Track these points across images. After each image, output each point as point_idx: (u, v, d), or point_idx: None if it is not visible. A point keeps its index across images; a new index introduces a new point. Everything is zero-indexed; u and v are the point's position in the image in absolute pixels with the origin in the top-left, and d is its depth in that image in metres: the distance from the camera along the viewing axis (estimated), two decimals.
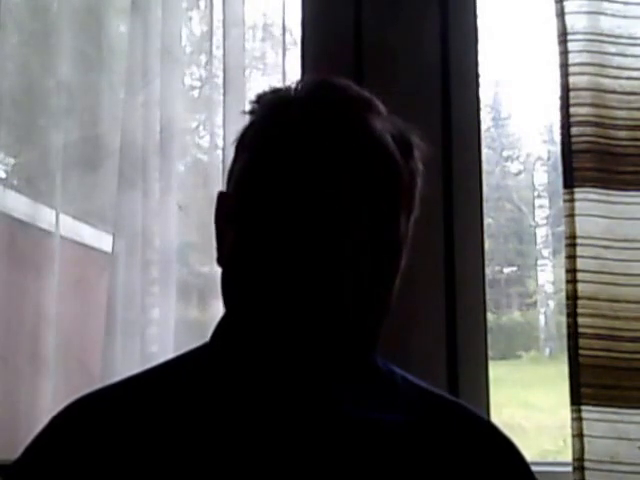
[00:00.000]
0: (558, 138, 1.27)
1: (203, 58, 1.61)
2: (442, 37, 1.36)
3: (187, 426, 0.75)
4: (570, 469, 1.17)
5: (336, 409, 0.76)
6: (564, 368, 1.19)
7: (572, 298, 1.20)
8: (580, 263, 1.20)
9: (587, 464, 1.16)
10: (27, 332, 1.48)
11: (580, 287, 1.19)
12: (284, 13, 1.46)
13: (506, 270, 1.83)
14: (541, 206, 1.79)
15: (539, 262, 1.78)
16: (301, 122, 0.78)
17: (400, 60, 1.35)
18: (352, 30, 1.36)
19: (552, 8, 1.27)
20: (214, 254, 0.83)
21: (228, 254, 0.80)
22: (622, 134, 1.23)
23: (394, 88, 1.34)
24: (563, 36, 1.24)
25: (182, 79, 1.49)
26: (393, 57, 1.35)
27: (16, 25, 1.60)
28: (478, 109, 1.36)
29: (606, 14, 1.25)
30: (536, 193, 1.80)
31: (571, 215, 1.21)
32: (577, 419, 1.17)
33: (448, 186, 1.33)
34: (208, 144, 1.47)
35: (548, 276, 1.76)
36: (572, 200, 1.21)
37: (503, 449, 0.84)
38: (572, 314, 1.19)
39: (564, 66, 1.24)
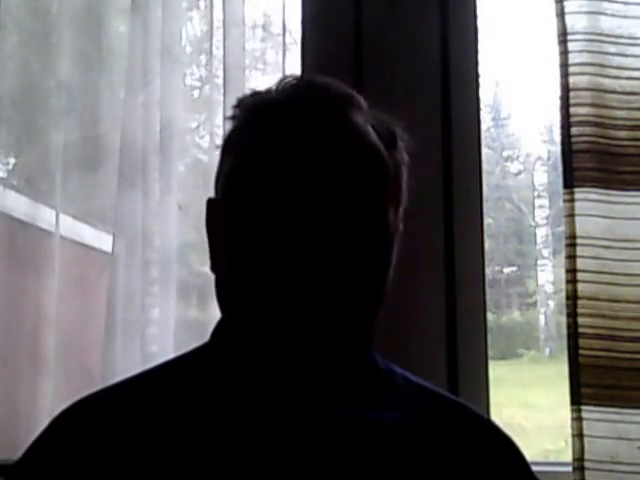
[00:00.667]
0: (558, 138, 1.27)
1: (203, 58, 1.61)
2: (442, 37, 1.36)
3: (187, 426, 0.75)
4: (570, 469, 1.17)
5: (336, 409, 0.76)
6: (564, 368, 1.19)
7: (572, 298, 1.20)
8: (580, 263, 1.20)
9: (587, 464, 1.16)
10: (27, 332, 1.48)
11: (580, 287, 1.19)
12: (284, 13, 1.46)
13: (506, 270, 1.83)
14: (541, 206, 1.79)
15: (539, 262, 1.78)
16: (283, 123, 0.78)
17: (400, 60, 1.35)
18: (352, 30, 1.36)
19: (552, 8, 1.27)
20: None
21: (223, 261, 0.80)
22: (622, 134, 1.23)
23: (394, 88, 1.34)
24: (563, 36, 1.24)
25: (182, 79, 1.49)
26: (393, 57, 1.35)
27: (16, 25, 1.60)
28: (478, 109, 1.36)
29: (606, 14, 1.25)
30: (536, 193, 1.80)
31: (571, 215, 1.21)
32: (577, 419, 1.17)
33: (448, 186, 1.33)
34: (208, 144, 1.48)
35: (548, 276, 1.76)
36: (572, 200, 1.21)
37: (504, 448, 0.84)
38: (572, 314, 1.19)
39: (564, 66, 1.24)
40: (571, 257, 1.20)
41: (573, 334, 1.19)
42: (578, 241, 1.20)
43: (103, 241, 1.56)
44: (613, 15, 1.25)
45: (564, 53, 1.24)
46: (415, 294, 1.30)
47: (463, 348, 1.30)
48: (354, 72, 1.34)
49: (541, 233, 1.79)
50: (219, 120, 1.41)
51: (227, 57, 1.41)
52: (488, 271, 1.40)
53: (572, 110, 1.23)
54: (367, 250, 0.76)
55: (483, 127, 1.39)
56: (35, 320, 1.46)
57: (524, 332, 1.84)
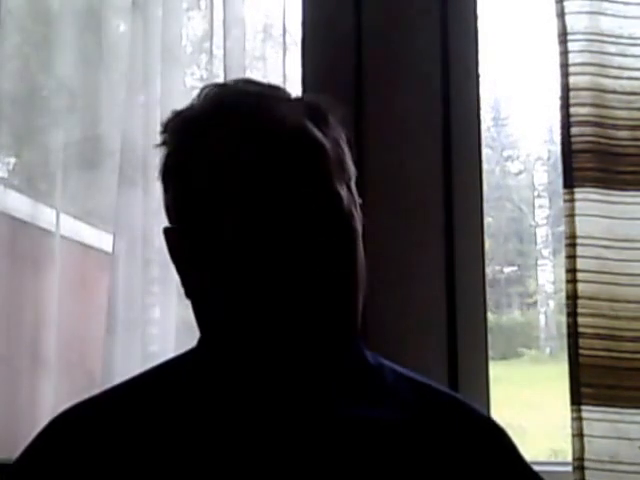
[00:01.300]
0: (558, 138, 1.27)
1: (204, 58, 1.61)
2: (442, 37, 1.36)
3: (180, 428, 0.75)
4: (570, 469, 1.17)
5: (327, 407, 0.77)
6: (564, 368, 1.19)
7: (572, 298, 1.20)
8: (580, 263, 1.20)
9: (587, 464, 1.16)
10: (27, 332, 1.48)
11: (580, 287, 1.20)
12: (284, 14, 1.46)
13: (506, 270, 1.84)
14: (541, 206, 1.79)
15: (539, 262, 1.78)
16: (213, 135, 0.78)
17: (400, 60, 1.35)
18: (352, 30, 1.36)
19: (552, 8, 1.27)
20: None
21: (197, 286, 0.80)
22: (622, 134, 1.23)
23: (394, 88, 1.34)
24: (563, 36, 1.24)
25: (182, 79, 1.49)
26: (393, 57, 1.35)
27: (16, 25, 1.60)
28: (478, 109, 1.36)
29: (606, 14, 1.25)
30: (536, 193, 1.80)
31: (571, 215, 1.21)
32: (577, 419, 1.17)
33: (448, 186, 1.33)
34: None
35: (548, 276, 1.76)
36: (572, 200, 1.21)
37: (495, 438, 0.84)
38: (572, 314, 1.19)
39: (564, 66, 1.24)
40: (571, 257, 1.20)
41: (573, 334, 1.19)
42: (578, 241, 1.20)
43: (103, 241, 1.56)
44: (613, 15, 1.25)
45: (564, 53, 1.24)
46: (415, 294, 1.30)
47: (463, 348, 1.30)
48: (354, 72, 1.35)
49: (541, 233, 1.79)
50: None
51: (227, 57, 1.41)
52: (488, 271, 1.40)
53: (572, 110, 1.23)
54: (328, 236, 0.75)
55: (483, 127, 1.39)
56: (35, 320, 1.46)
57: (524, 332, 1.84)
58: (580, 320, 1.19)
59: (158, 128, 1.40)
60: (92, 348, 1.47)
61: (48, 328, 1.45)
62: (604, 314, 1.19)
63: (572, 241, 1.21)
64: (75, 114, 1.52)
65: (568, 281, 1.20)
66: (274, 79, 1.57)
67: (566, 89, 1.24)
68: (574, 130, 1.23)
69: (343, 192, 0.78)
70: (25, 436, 0.80)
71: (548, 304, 1.79)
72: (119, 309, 1.38)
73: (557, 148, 1.33)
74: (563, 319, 1.21)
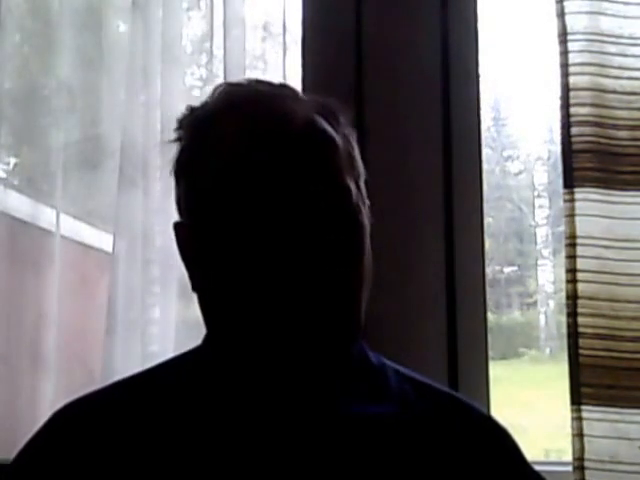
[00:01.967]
0: (558, 138, 1.27)
1: (204, 58, 1.61)
2: (442, 37, 1.36)
3: (181, 426, 0.75)
4: (570, 469, 1.18)
5: (330, 405, 0.77)
6: (564, 368, 1.19)
7: (572, 298, 1.20)
8: (580, 263, 1.20)
9: (587, 464, 1.16)
10: (27, 332, 1.48)
11: (580, 287, 1.20)
12: (284, 13, 1.46)
13: (506, 270, 1.83)
14: (541, 206, 1.79)
15: (539, 262, 1.78)
16: (224, 132, 0.79)
17: (400, 60, 1.35)
18: (352, 30, 1.36)
19: (552, 8, 1.27)
20: None
21: (204, 279, 0.80)
22: (622, 134, 1.23)
23: (394, 88, 1.34)
24: (563, 36, 1.24)
25: (183, 79, 1.49)
26: (393, 57, 1.35)
27: (17, 25, 1.60)
28: (478, 109, 1.36)
29: (606, 14, 1.25)
30: (536, 193, 1.80)
31: (571, 215, 1.21)
32: (577, 419, 1.17)
33: (448, 186, 1.33)
34: None
35: (548, 276, 1.76)
36: (572, 200, 1.21)
37: (497, 436, 0.84)
38: (572, 314, 1.19)
39: (564, 66, 1.24)
40: (571, 257, 1.20)
41: (573, 334, 1.19)
42: (578, 241, 1.20)
43: (103, 241, 1.56)
44: (613, 15, 1.25)
45: (564, 53, 1.24)
46: (415, 294, 1.30)
47: (463, 348, 1.30)
48: (354, 72, 1.35)
49: (541, 233, 1.79)
50: None
51: (227, 57, 1.41)
52: (488, 271, 1.40)
53: (572, 110, 1.23)
54: (337, 226, 0.75)
55: (483, 127, 1.39)
56: (35, 320, 1.46)
57: (524, 332, 1.84)
58: (580, 320, 1.19)
59: (158, 128, 1.42)
60: (92, 348, 1.47)
61: (48, 328, 1.45)
62: (604, 314, 1.19)
63: (572, 241, 1.21)
64: (75, 114, 1.52)
65: (568, 281, 1.21)
66: (274, 79, 1.57)
67: (566, 89, 1.24)
68: (574, 130, 1.23)
69: (352, 187, 0.79)
70: (25, 436, 0.80)
71: (548, 304, 1.79)
72: (119, 309, 1.38)
73: (557, 148, 1.33)
74: (563, 319, 1.22)
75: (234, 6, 1.42)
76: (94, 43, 1.55)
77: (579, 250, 1.20)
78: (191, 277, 0.82)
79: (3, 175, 1.72)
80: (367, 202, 0.82)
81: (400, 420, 0.78)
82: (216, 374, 0.80)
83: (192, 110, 0.85)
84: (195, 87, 1.67)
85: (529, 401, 1.73)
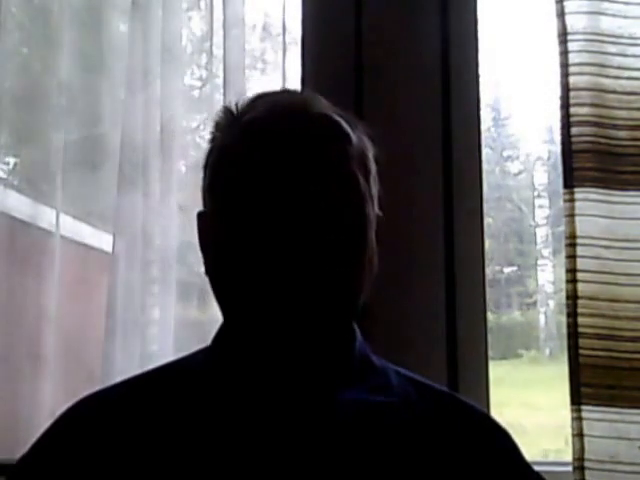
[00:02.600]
0: (558, 138, 1.27)
1: (203, 58, 1.61)
2: (442, 37, 1.36)
3: (188, 424, 0.76)
4: (570, 469, 1.18)
5: (334, 394, 0.78)
6: (564, 368, 1.19)
7: (572, 298, 1.20)
8: (580, 263, 1.20)
9: (587, 464, 1.16)
10: (27, 332, 1.48)
11: (580, 287, 1.20)
12: (284, 13, 1.46)
13: (506, 270, 1.83)
14: (541, 206, 1.79)
15: (539, 262, 1.78)
16: (249, 131, 0.82)
17: (400, 60, 1.35)
18: (352, 30, 1.36)
19: (552, 8, 1.27)
20: None
21: (215, 262, 0.83)
22: (622, 134, 1.23)
23: (394, 88, 1.34)
24: (563, 36, 1.25)
25: (182, 79, 1.49)
26: (393, 57, 1.35)
27: (17, 25, 1.60)
28: (478, 109, 1.36)
29: (606, 14, 1.25)
30: (536, 193, 1.80)
31: (571, 215, 1.21)
32: (577, 419, 1.17)
33: (448, 186, 1.33)
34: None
35: (548, 276, 1.76)
36: (572, 200, 1.21)
37: (497, 437, 0.84)
38: (572, 314, 1.19)
39: (564, 66, 1.24)
40: (571, 257, 1.20)
41: (573, 334, 1.19)
42: (578, 241, 1.21)
43: (103, 241, 1.56)
44: (613, 15, 1.25)
45: (564, 53, 1.24)
46: (415, 294, 1.30)
47: (463, 348, 1.30)
48: (354, 72, 1.35)
49: (541, 233, 1.79)
50: None
51: (227, 57, 1.41)
52: (488, 271, 1.40)
53: (572, 110, 1.23)
54: (343, 225, 0.77)
55: (483, 127, 1.39)
56: (35, 320, 1.46)
57: (524, 332, 1.84)
58: (580, 320, 1.19)
59: (158, 128, 1.42)
60: (92, 348, 1.47)
61: (48, 328, 1.44)
62: (604, 314, 1.19)
63: (572, 241, 1.21)
64: (75, 114, 1.52)
65: (568, 281, 1.21)
66: (274, 79, 1.58)
67: (566, 89, 1.24)
68: (574, 130, 1.23)
69: (360, 178, 0.80)
70: (25, 437, 0.81)
71: (548, 304, 1.79)
72: (119, 309, 1.38)
73: (557, 148, 1.33)
74: (563, 319, 1.22)
75: (234, 6, 1.42)
76: (94, 43, 1.55)
77: (579, 250, 1.20)
78: (204, 262, 0.84)
79: (3, 175, 1.72)
80: (375, 199, 0.84)
81: (403, 409, 0.79)
82: (223, 374, 0.81)
83: (228, 113, 0.87)
84: (195, 87, 1.67)
85: (529, 401, 1.73)
